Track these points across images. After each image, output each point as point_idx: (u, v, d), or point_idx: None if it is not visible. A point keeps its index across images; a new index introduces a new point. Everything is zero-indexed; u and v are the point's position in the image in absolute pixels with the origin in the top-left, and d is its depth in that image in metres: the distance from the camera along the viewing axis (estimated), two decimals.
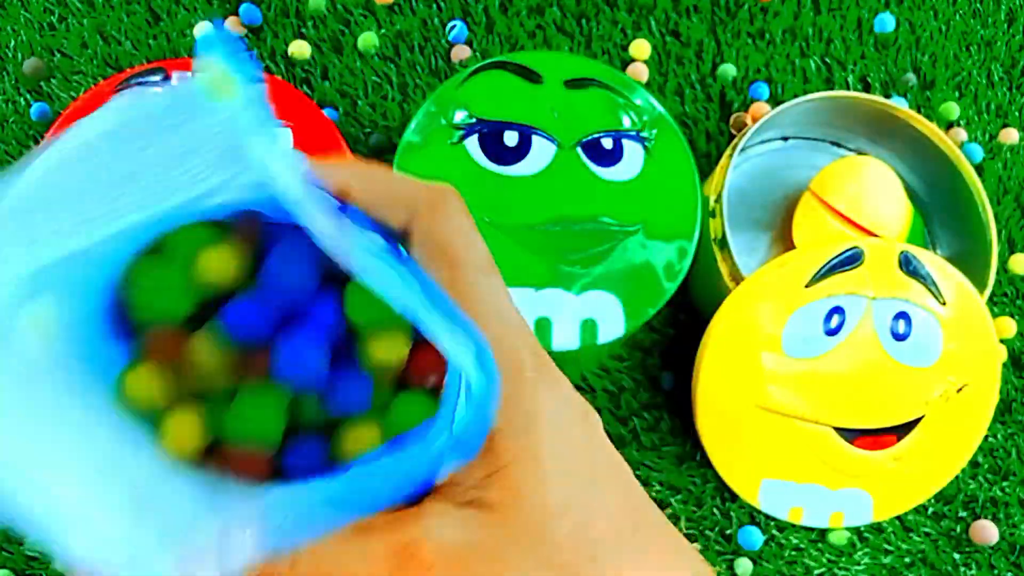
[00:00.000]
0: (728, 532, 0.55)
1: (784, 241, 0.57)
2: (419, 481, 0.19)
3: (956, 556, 0.56)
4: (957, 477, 0.56)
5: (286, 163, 0.17)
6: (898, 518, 0.56)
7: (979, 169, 0.62)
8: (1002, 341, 0.58)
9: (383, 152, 0.58)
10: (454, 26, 0.60)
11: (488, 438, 0.20)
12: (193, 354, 0.19)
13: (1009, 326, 0.59)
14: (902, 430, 0.51)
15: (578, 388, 0.56)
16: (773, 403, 0.50)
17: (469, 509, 0.20)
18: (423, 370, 0.20)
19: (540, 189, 0.50)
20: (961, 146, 0.61)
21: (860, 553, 0.55)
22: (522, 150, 0.51)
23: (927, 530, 0.56)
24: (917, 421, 0.51)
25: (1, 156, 0.56)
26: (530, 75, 0.52)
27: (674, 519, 0.55)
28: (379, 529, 0.20)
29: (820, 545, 0.55)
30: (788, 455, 0.51)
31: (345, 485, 0.17)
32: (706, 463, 0.53)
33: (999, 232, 0.59)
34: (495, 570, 0.19)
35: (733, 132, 0.61)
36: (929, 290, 0.50)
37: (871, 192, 0.54)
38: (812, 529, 0.55)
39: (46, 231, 0.18)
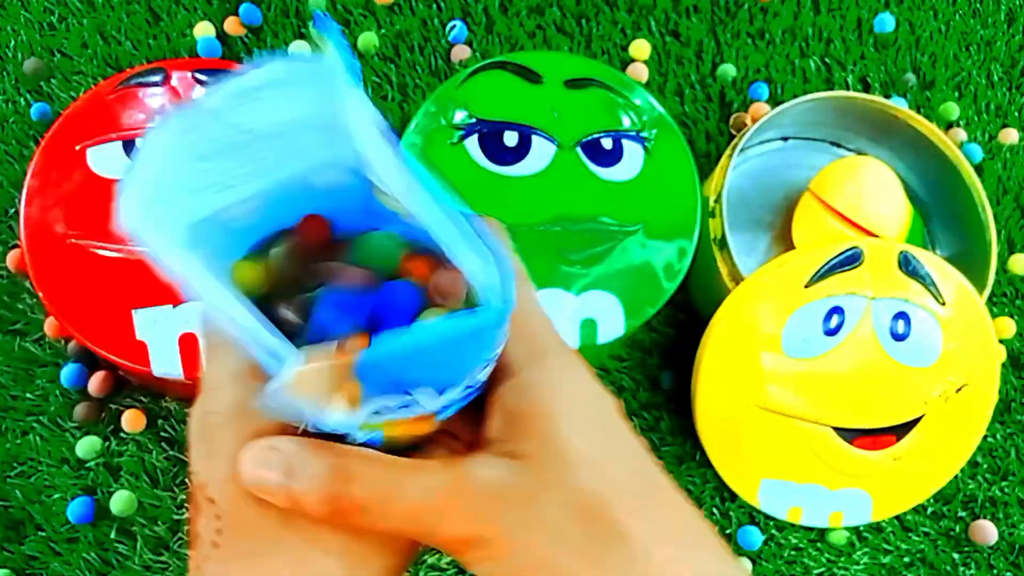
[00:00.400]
0: (728, 532, 0.55)
1: (784, 241, 0.57)
2: (486, 344, 0.22)
3: (955, 556, 0.56)
4: (956, 477, 0.56)
5: (366, 117, 0.21)
6: (897, 518, 0.56)
7: (979, 169, 0.62)
8: (1001, 341, 0.59)
9: None
10: (454, 26, 0.60)
11: (521, 406, 0.24)
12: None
13: (1008, 326, 0.59)
14: (901, 430, 0.51)
15: None
16: (773, 403, 0.50)
17: (506, 458, 0.24)
18: (444, 290, 0.23)
19: (540, 189, 0.50)
20: (961, 146, 0.61)
21: (859, 553, 0.55)
22: (522, 150, 0.51)
23: (926, 530, 0.56)
24: (916, 421, 0.51)
25: (1, 156, 0.56)
26: (530, 75, 0.52)
27: None
28: (433, 467, 0.24)
29: (819, 545, 0.55)
30: (787, 455, 0.51)
31: (431, 332, 0.21)
32: (706, 463, 0.53)
33: (998, 232, 0.59)
34: (526, 504, 0.23)
35: (733, 132, 0.61)
36: (929, 290, 0.50)
37: (871, 192, 0.54)
38: (811, 529, 0.55)
39: (206, 183, 0.22)
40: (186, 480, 0.26)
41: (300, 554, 0.24)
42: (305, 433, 0.24)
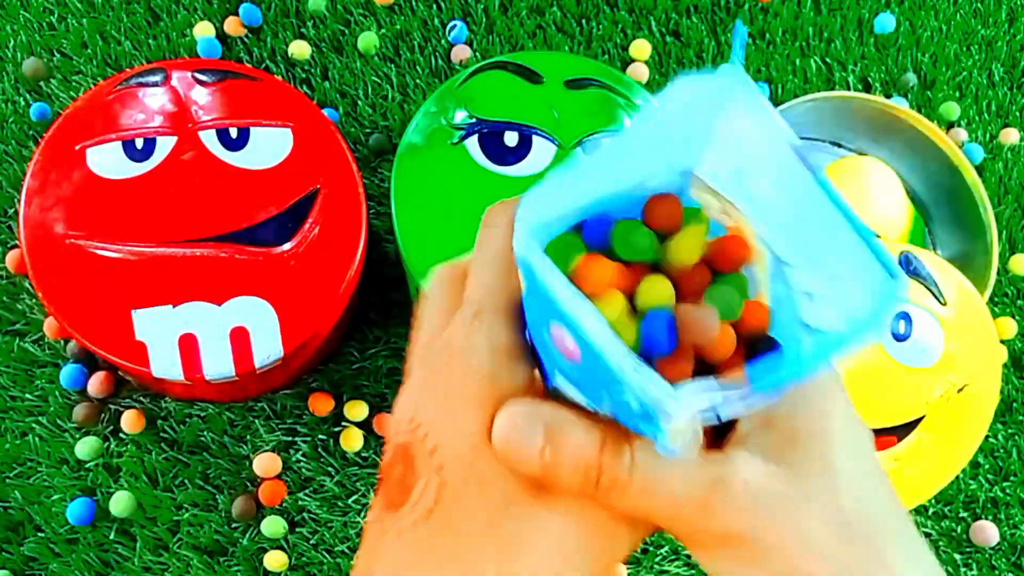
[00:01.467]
0: None
1: None
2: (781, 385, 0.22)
3: (957, 556, 0.56)
4: (958, 478, 0.55)
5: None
6: None
7: (979, 169, 0.61)
8: (1003, 341, 0.58)
9: (383, 152, 0.58)
10: (454, 26, 0.60)
11: (793, 419, 0.24)
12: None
13: (1010, 326, 0.59)
14: (902, 430, 0.51)
15: None
16: None
17: (769, 463, 0.23)
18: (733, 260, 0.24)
19: None
20: (961, 146, 0.61)
21: None
22: (522, 150, 0.51)
23: (928, 530, 0.56)
24: (918, 422, 0.51)
25: (1, 156, 0.55)
26: (530, 75, 0.52)
27: None
28: (697, 462, 0.23)
29: None
30: None
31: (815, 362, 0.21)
32: None
33: (1000, 232, 0.59)
34: (790, 512, 0.23)
35: None
36: (930, 290, 0.50)
37: (872, 192, 0.54)
38: None
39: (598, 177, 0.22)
40: (389, 437, 0.25)
41: (512, 541, 0.23)
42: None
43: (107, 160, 0.48)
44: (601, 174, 0.22)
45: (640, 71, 0.61)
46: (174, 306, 0.47)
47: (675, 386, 0.20)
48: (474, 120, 0.51)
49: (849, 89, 0.63)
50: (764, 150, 0.22)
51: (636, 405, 0.20)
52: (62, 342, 0.53)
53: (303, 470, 0.52)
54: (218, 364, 0.46)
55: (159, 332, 0.46)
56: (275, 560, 0.51)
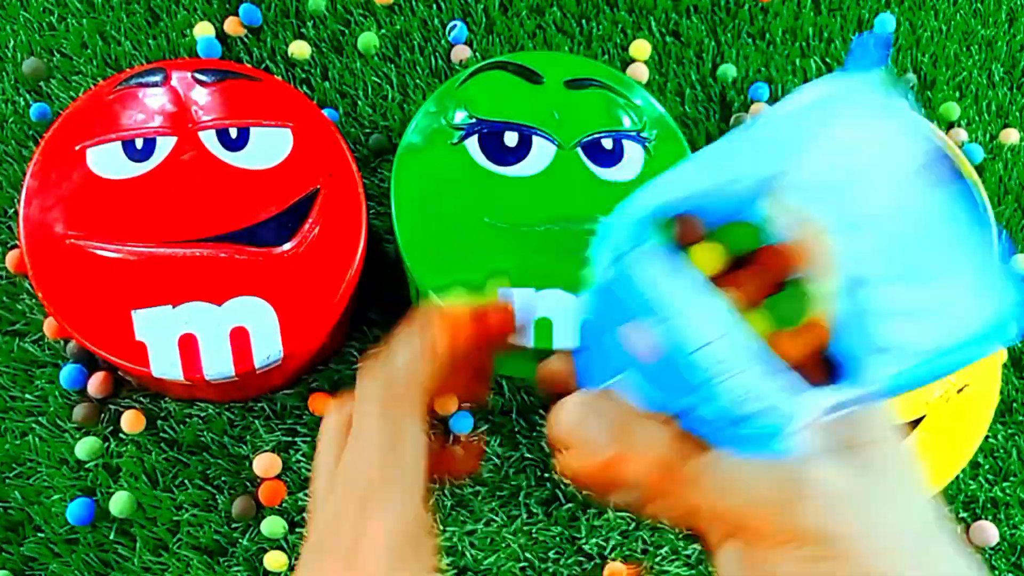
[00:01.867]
0: None
1: None
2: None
3: None
4: (958, 478, 0.55)
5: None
6: None
7: (979, 169, 0.61)
8: None
9: (383, 152, 0.58)
10: (454, 26, 0.60)
11: (845, 421, 0.25)
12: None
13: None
14: (902, 431, 0.51)
15: None
16: None
17: (838, 465, 0.25)
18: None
19: (540, 189, 0.50)
20: (961, 146, 0.61)
21: None
22: (522, 151, 0.51)
23: None
24: (917, 422, 0.51)
25: (1, 156, 0.55)
26: (530, 75, 0.52)
27: None
28: (770, 460, 0.25)
29: None
30: None
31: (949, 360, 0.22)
32: None
33: (999, 233, 0.59)
34: (864, 514, 0.24)
35: None
36: None
37: None
38: None
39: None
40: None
41: None
42: None
43: (107, 160, 0.48)
44: (702, 173, 0.24)
45: (640, 71, 0.61)
46: (174, 306, 0.47)
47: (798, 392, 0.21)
48: (474, 120, 0.51)
49: None
50: (886, 159, 0.23)
51: (727, 404, 0.21)
52: (62, 342, 0.53)
53: (303, 470, 0.52)
54: (218, 364, 0.46)
55: (159, 332, 0.46)
56: (275, 560, 0.51)
